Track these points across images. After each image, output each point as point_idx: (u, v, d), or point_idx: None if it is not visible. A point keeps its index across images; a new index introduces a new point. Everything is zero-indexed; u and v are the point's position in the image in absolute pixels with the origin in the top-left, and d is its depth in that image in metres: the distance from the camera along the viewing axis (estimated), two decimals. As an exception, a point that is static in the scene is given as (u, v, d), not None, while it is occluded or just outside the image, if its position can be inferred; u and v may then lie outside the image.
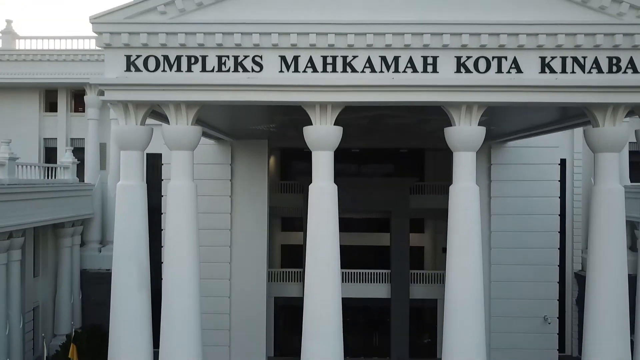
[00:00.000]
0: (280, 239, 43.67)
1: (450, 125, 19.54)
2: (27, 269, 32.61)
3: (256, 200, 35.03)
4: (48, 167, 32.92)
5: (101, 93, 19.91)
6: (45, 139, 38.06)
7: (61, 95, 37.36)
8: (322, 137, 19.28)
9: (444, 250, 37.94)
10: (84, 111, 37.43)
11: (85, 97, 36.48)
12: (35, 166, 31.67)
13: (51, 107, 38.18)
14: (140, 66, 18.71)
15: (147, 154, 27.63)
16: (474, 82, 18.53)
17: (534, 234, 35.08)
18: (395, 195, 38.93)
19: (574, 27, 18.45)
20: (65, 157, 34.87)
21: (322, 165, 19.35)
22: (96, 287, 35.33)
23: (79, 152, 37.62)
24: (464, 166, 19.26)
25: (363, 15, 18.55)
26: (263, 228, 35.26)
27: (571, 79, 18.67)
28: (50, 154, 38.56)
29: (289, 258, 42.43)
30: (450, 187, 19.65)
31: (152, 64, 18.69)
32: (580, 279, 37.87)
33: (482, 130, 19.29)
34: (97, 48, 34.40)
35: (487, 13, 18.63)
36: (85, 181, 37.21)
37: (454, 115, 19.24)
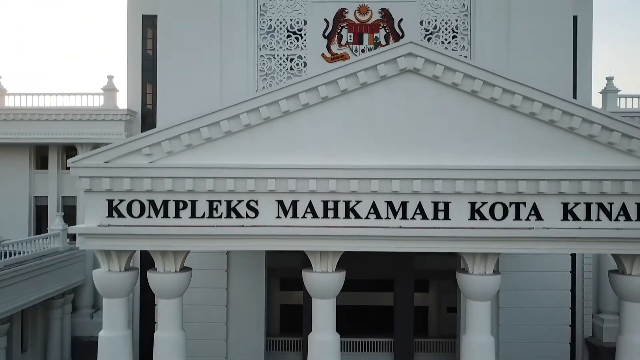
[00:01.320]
0: (279, 298, 42.00)
1: (462, 269, 17.97)
2: (15, 346, 31.32)
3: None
4: (37, 239, 31.49)
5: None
6: (35, 197, 36.51)
7: (52, 152, 35.65)
8: (323, 285, 17.71)
9: (449, 310, 36.36)
10: (76, 168, 35.75)
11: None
12: (23, 242, 30.24)
13: (42, 162, 36.50)
14: (124, 211, 17.11)
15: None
16: (490, 233, 16.89)
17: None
18: (399, 258, 37.31)
19: (600, 173, 16.78)
20: (55, 224, 33.41)
21: (323, 315, 17.78)
22: (88, 356, 34.07)
23: (70, 209, 36.09)
24: (478, 317, 17.67)
25: (367, 159, 16.90)
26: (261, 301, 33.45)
27: (597, 226, 17.02)
28: (41, 212, 37.03)
29: (289, 320, 40.84)
30: (463, 338, 18.09)
31: (136, 209, 17.10)
32: (592, 346, 36.54)
33: (498, 279, 17.67)
34: (90, 106, 32.98)
35: (502, 158, 16.95)
36: (77, 242, 35.50)
37: (467, 261, 17.64)
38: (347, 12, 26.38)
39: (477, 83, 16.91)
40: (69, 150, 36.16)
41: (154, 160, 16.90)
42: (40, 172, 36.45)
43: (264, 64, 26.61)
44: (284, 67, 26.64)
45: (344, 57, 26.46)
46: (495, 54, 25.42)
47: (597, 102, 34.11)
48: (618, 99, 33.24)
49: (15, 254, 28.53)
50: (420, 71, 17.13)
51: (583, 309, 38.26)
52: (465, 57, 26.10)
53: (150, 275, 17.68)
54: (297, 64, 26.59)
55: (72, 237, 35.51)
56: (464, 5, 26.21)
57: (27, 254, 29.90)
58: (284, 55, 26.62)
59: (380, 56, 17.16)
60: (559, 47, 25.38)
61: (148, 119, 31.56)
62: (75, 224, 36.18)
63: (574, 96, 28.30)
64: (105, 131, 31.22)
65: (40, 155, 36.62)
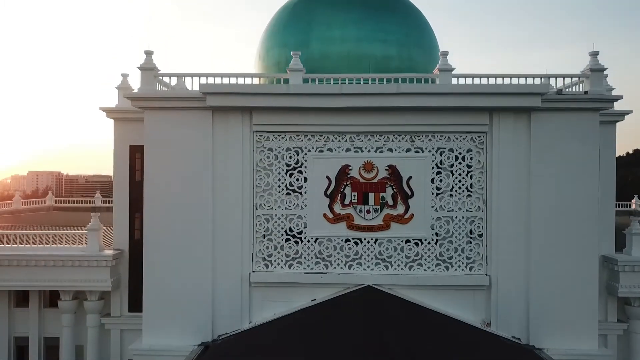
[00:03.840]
0: None
1: None
2: None
3: None
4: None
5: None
6: (15, 337, 33.84)
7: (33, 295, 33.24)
8: None
9: None
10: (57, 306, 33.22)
11: (59, 302, 32.29)
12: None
13: (23, 297, 34.03)
14: None
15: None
16: None
17: None
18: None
19: None
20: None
21: None
22: None
23: (53, 351, 33.37)
24: None
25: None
26: None
27: None
28: (21, 353, 34.30)
29: None
30: None
31: None
32: None
33: None
34: (72, 254, 30.51)
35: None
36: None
37: None
38: (351, 169, 24.26)
39: None
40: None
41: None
42: (21, 309, 33.94)
43: (260, 224, 24.34)
44: (282, 227, 24.35)
45: (348, 218, 24.20)
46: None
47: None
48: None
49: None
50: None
51: None
52: (481, 218, 23.87)
53: None
54: (297, 225, 24.29)
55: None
56: (479, 161, 24.02)
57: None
58: (282, 215, 24.35)
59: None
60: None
61: (135, 253, 29.01)
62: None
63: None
64: (90, 277, 28.79)
65: (21, 292, 34.14)
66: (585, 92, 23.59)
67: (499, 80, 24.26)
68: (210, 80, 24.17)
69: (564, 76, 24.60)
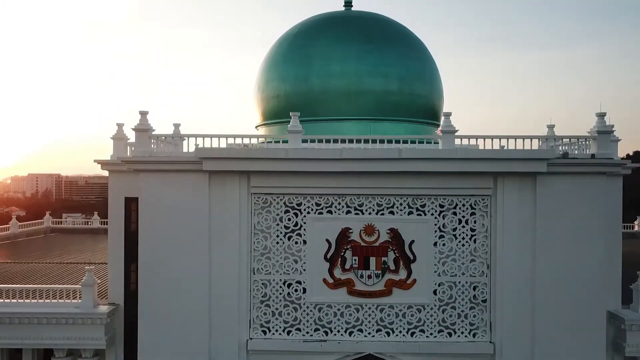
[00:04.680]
0: None
1: None
2: None
3: None
4: None
5: None
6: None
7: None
8: None
9: None
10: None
11: (52, 360, 31.52)
12: None
13: (17, 354, 33.28)
14: None
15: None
16: None
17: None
18: None
19: None
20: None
21: None
22: None
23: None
24: None
25: None
26: None
27: None
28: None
29: None
30: None
31: None
32: None
33: None
34: (66, 311, 29.81)
35: None
36: None
37: None
38: (351, 232, 23.63)
39: None
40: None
41: None
42: (15, 362, 33.14)
43: (258, 289, 23.74)
44: (280, 294, 23.73)
45: (349, 283, 23.58)
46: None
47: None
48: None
49: None
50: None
51: None
52: (485, 284, 23.25)
53: None
54: (296, 290, 23.66)
55: None
56: (483, 225, 23.42)
57: None
58: (280, 280, 23.72)
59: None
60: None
61: (131, 307, 28.35)
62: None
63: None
64: (84, 335, 28.12)
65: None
66: (592, 155, 22.97)
67: (504, 142, 23.65)
68: (207, 141, 23.54)
69: (570, 137, 23.96)
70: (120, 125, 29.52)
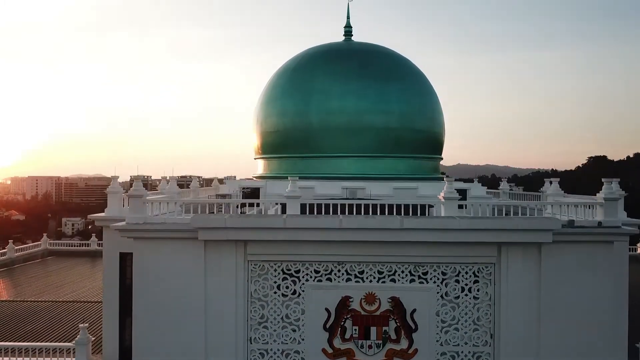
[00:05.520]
0: None
1: None
2: None
3: None
4: None
5: None
6: None
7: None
8: None
9: None
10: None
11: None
12: None
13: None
14: None
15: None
16: None
17: None
18: None
19: None
20: None
21: None
22: None
23: None
24: None
25: None
26: None
27: None
28: None
29: None
30: None
31: None
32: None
33: None
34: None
35: None
36: None
37: None
38: (351, 301, 22.95)
39: None
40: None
41: None
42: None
43: (255, 358, 23.09)
44: (278, 363, 23.10)
45: (349, 353, 22.94)
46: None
47: None
48: None
49: None
50: None
51: None
52: (489, 353, 22.69)
53: None
54: (294, 360, 23.05)
55: None
56: (487, 293, 22.78)
57: None
58: (278, 349, 23.09)
59: None
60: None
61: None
62: None
63: None
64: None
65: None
66: (599, 223, 22.29)
67: (508, 208, 22.98)
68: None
69: (576, 204, 23.29)
70: (114, 179, 28.89)
